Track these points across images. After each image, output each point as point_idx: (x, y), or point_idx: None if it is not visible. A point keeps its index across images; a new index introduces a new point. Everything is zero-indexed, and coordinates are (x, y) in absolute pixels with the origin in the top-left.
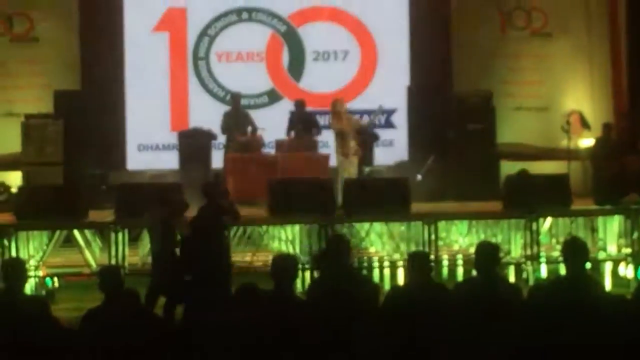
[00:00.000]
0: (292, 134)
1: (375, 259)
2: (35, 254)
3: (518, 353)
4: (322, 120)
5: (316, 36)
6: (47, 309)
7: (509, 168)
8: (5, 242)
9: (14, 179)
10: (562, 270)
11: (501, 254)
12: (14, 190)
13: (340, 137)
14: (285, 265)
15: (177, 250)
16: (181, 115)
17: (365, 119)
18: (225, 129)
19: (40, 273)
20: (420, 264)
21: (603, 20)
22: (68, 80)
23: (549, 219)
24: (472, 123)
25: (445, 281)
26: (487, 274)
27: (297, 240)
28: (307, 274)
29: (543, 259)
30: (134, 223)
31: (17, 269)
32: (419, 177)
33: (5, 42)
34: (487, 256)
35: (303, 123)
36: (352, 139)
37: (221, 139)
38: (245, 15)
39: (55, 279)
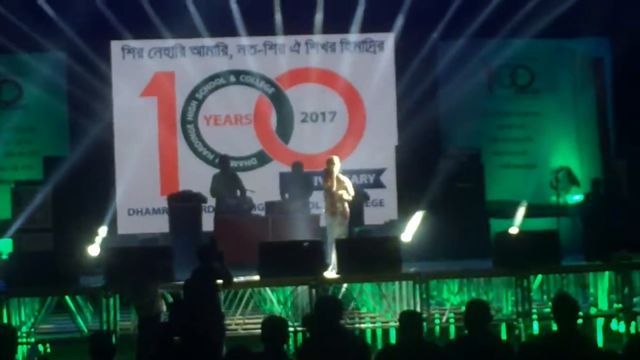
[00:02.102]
0: (287, 195)
1: (367, 318)
2: (27, 321)
3: None
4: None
5: (304, 98)
6: None
7: (498, 225)
8: None
9: (4, 246)
10: (554, 326)
11: (492, 312)
12: (4, 256)
13: (329, 195)
14: (275, 327)
15: (162, 315)
16: (171, 179)
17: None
18: (214, 191)
19: (32, 339)
20: (412, 323)
21: (588, 75)
22: (57, 146)
23: (540, 276)
24: (461, 181)
25: (438, 340)
26: (478, 332)
27: (288, 302)
28: (299, 335)
29: (535, 316)
30: (124, 288)
31: (8, 336)
32: (408, 237)
33: None
34: (478, 314)
35: (301, 185)
36: (339, 199)
37: (211, 202)
38: (232, 78)
39: (47, 345)
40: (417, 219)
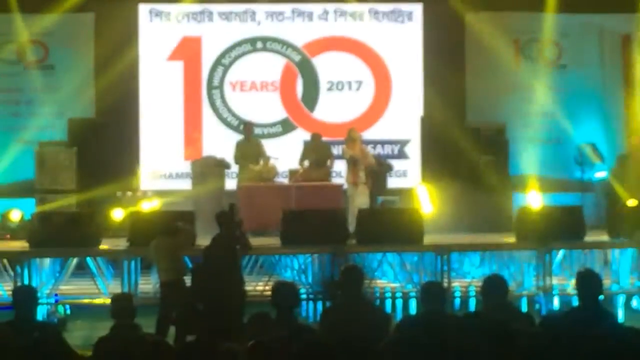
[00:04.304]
0: (306, 163)
1: (388, 289)
2: (48, 281)
3: None
4: (335, 150)
5: (330, 66)
6: (59, 336)
7: (522, 200)
8: (18, 268)
9: (28, 206)
10: (575, 302)
11: (514, 285)
12: (27, 217)
13: (352, 164)
14: (286, 292)
15: (185, 279)
16: (195, 144)
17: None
18: (238, 158)
19: (52, 300)
20: (433, 294)
21: (616, 52)
22: (82, 108)
23: (562, 251)
24: (486, 154)
25: (457, 312)
26: (496, 306)
27: (309, 270)
28: (319, 303)
29: (556, 291)
30: (146, 251)
31: (28, 297)
32: (429, 208)
33: (20, 69)
34: (494, 290)
35: (317, 155)
36: (362, 169)
37: (234, 168)
38: (259, 44)
39: (67, 306)
40: (422, 191)
